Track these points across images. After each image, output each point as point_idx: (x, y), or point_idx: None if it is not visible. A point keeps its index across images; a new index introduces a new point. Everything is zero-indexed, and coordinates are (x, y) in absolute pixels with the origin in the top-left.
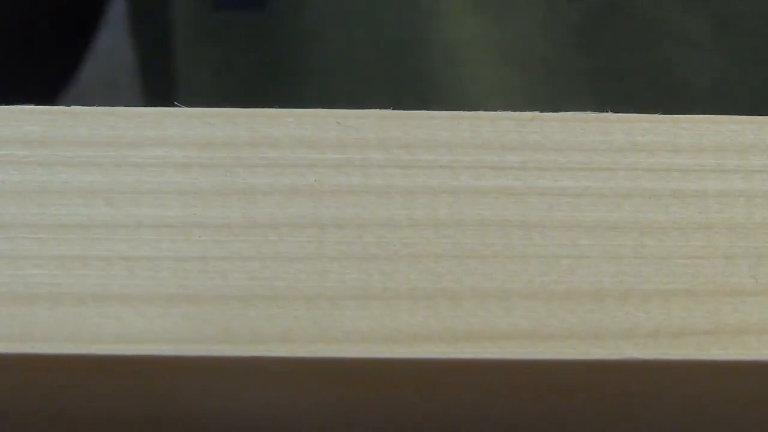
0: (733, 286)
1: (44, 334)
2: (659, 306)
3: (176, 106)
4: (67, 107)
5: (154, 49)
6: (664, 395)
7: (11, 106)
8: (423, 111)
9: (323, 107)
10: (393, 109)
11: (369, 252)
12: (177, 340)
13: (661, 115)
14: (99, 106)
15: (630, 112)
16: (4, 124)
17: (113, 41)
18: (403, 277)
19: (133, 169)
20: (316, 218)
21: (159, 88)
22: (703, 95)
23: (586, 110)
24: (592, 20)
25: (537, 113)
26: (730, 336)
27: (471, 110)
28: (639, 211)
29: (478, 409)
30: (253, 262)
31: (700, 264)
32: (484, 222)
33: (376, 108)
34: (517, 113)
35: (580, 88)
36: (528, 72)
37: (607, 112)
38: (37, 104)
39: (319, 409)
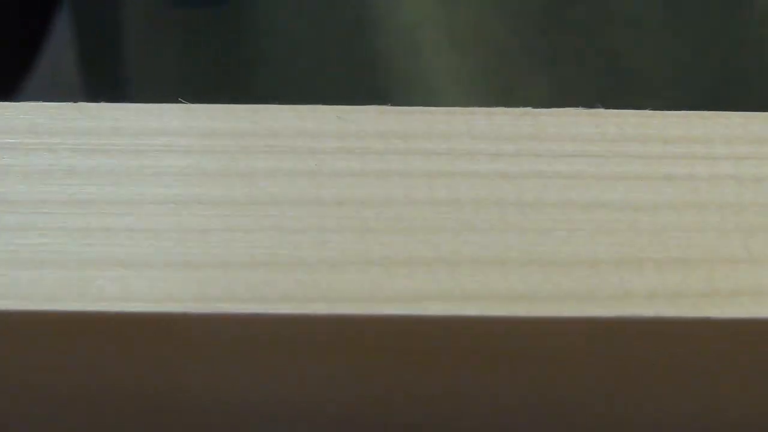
0: (726, 256)
1: (49, 294)
2: (654, 272)
3: (180, 102)
4: (73, 103)
5: (105, 47)
6: (661, 359)
7: (19, 103)
8: (420, 107)
9: (281, 97)
10: (346, 95)
11: (368, 225)
12: (178, 299)
13: (651, 111)
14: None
15: (585, 96)
16: (12, 116)
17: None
18: (402, 247)
19: (138, 155)
20: (317, 197)
21: (111, 86)
22: (658, 79)
23: (540, 94)
24: (546, 4)
25: (530, 109)
26: (724, 298)
27: (424, 94)
28: (632, 191)
29: (477, 378)
30: (255, 233)
31: (693, 237)
32: (480, 201)
33: (334, 96)
34: (511, 108)
35: (534, 72)
36: (481, 56)
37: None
38: None
39: (319, 377)
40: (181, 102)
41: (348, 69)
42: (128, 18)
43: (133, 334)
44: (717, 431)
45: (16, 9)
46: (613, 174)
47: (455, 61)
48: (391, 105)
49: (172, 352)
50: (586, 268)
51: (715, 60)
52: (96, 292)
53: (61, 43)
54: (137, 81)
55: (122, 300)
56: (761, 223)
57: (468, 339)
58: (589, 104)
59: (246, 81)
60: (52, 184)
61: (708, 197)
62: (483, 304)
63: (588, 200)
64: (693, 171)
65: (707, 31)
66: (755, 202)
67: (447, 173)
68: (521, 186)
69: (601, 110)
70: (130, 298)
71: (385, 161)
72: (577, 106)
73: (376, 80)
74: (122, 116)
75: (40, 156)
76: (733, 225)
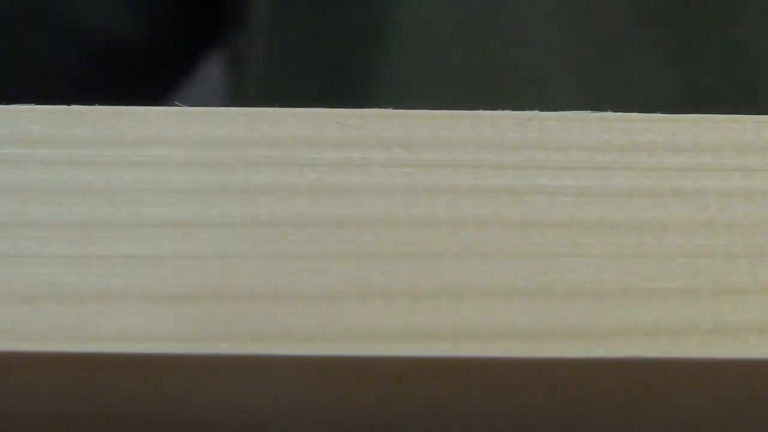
0: (733, 285)
1: (45, 332)
2: (659, 304)
3: (176, 105)
4: (67, 106)
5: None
6: (665, 393)
7: (11, 105)
8: (423, 110)
9: (399, 90)
10: (459, 89)
11: (369, 251)
12: (177, 338)
13: (661, 114)
14: None
15: (711, 89)
16: (4, 123)
17: None
18: (404, 275)
19: (134, 168)
20: (317, 217)
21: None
22: None
23: (662, 87)
24: None
25: (537, 112)
26: (730, 335)
27: (538, 87)
28: (639, 209)
29: (478, 407)
30: (254, 261)
31: (699, 263)
32: (483, 221)
33: (448, 88)
34: (517, 112)
35: (655, 63)
36: (598, 47)
37: (607, 110)
38: None
39: (319, 408)
40: (177, 105)
41: (461, 64)
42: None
43: (130, 370)
44: None
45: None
46: (620, 189)
47: (570, 53)
48: (506, 99)
49: (167, 382)
50: (591, 301)
51: None
52: (93, 330)
53: None
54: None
55: (120, 340)
56: None
57: (468, 373)
58: (713, 98)
59: (365, 76)
60: (46, 203)
61: (717, 216)
62: (485, 344)
63: (594, 220)
64: (702, 185)
65: None
66: (764, 221)
67: (450, 188)
68: (526, 203)
69: (610, 114)
70: (128, 337)
71: (386, 174)
72: (699, 99)
73: (490, 74)
74: (118, 122)
75: (32, 170)
76: (742, 249)
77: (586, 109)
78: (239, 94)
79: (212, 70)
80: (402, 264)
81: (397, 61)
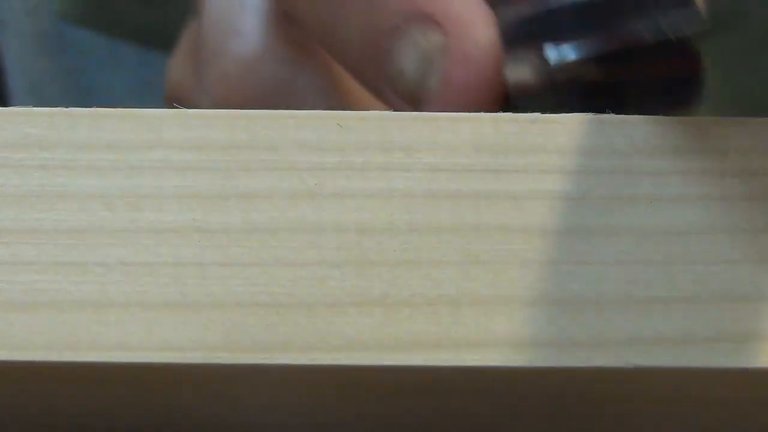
0: (734, 293)
1: (44, 342)
2: (660, 313)
3: (175, 107)
4: (65, 108)
5: None
6: (665, 402)
7: (9, 108)
8: (423, 113)
9: None
10: None
11: (369, 258)
12: (176, 347)
13: (662, 117)
14: None
15: None
16: (2, 126)
17: None
18: (404, 283)
19: (132, 173)
20: (316, 223)
21: None
22: None
23: None
24: None
25: (539, 115)
26: (731, 344)
27: None
28: (641, 215)
29: (477, 416)
30: (253, 268)
31: (700, 270)
32: (485, 226)
33: None
34: (519, 114)
35: None
36: None
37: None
38: None
39: (318, 416)
40: (176, 107)
41: None
42: None
43: (129, 379)
44: None
45: None
46: (621, 194)
47: None
48: None
49: (166, 391)
50: (592, 310)
51: None
52: (91, 339)
53: None
54: None
55: (119, 349)
56: None
57: (468, 382)
58: None
59: None
60: (43, 209)
61: (719, 222)
62: (485, 354)
63: (596, 226)
64: (704, 191)
65: None
66: (766, 228)
67: (451, 194)
68: (527, 209)
69: (613, 116)
70: (126, 347)
71: (386, 179)
72: None
73: None
74: (117, 125)
75: (30, 175)
76: (743, 255)
77: None
78: None
79: None
80: (402, 271)
81: None
